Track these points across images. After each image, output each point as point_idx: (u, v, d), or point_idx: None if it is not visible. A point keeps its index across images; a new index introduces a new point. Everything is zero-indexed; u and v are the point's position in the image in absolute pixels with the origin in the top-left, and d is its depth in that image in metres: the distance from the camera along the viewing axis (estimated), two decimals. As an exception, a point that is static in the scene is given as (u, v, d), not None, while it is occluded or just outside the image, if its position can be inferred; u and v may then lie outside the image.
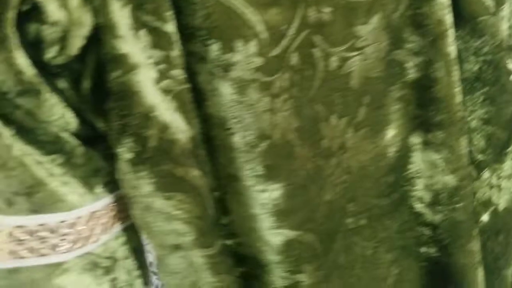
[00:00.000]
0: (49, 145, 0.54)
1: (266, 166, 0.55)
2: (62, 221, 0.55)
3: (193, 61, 0.52)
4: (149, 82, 0.51)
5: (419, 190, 0.65)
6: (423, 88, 0.60)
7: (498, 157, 0.69)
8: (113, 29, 0.49)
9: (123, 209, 0.59)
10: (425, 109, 0.61)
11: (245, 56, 0.51)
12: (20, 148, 0.53)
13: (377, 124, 0.60)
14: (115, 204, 0.59)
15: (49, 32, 0.49)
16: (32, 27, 0.49)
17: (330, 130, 0.58)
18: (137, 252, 0.62)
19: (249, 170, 0.55)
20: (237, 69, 0.51)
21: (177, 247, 0.56)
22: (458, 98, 0.61)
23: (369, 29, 0.55)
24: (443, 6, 0.57)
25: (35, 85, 0.50)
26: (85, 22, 0.49)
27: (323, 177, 0.59)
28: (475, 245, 0.67)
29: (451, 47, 0.59)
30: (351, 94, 0.57)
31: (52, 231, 0.55)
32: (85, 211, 0.56)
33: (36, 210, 0.54)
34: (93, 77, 0.52)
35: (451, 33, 0.58)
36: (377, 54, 0.57)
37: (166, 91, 0.51)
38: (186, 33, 0.51)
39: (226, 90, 0.52)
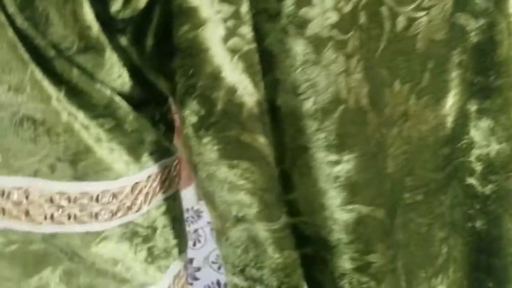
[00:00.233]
0: (100, 108, 0.51)
1: (340, 134, 0.52)
2: (105, 190, 0.53)
3: (262, 20, 0.48)
4: (217, 40, 0.47)
5: (472, 161, 0.63)
6: (483, 52, 0.58)
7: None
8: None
9: (166, 179, 0.58)
10: (484, 75, 0.59)
11: (322, 11, 0.48)
12: (69, 112, 0.49)
13: (439, 91, 0.58)
14: (159, 174, 0.57)
15: None
16: None
17: (393, 97, 0.55)
18: (176, 221, 0.61)
19: (320, 140, 0.52)
20: (313, 26, 0.48)
21: (240, 220, 0.52)
22: (519, 61, 0.59)
23: (435, -13, 0.53)
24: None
25: (99, 41, 0.46)
26: None
27: (385, 147, 0.56)
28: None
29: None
30: (416, 58, 0.55)
31: (93, 199, 0.53)
32: (129, 180, 0.54)
33: (79, 177, 0.52)
34: (157, 34, 0.48)
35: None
36: (442, 15, 0.55)
37: (234, 51, 0.48)
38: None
39: (300, 50, 0.49)
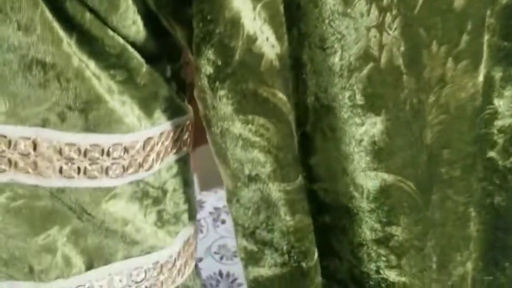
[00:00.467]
0: (112, 58, 0.48)
1: (368, 94, 0.48)
2: (116, 144, 0.51)
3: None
4: (238, -16, 0.44)
5: (494, 133, 0.60)
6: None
7: None
8: None
9: (178, 139, 0.56)
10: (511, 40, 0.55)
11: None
12: (80, 58, 0.47)
13: (476, 56, 0.54)
14: (171, 132, 0.55)
15: None
16: None
17: (431, 59, 0.51)
18: (186, 185, 0.59)
19: (346, 99, 0.48)
20: (343, -27, 0.44)
21: (252, 179, 0.50)
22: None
23: None
24: None
25: None
26: None
27: (424, 115, 0.52)
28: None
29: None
30: (453, 18, 0.51)
31: (104, 153, 0.51)
32: (141, 135, 0.52)
33: (90, 128, 0.49)
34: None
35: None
36: None
37: None
38: None
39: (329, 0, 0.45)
